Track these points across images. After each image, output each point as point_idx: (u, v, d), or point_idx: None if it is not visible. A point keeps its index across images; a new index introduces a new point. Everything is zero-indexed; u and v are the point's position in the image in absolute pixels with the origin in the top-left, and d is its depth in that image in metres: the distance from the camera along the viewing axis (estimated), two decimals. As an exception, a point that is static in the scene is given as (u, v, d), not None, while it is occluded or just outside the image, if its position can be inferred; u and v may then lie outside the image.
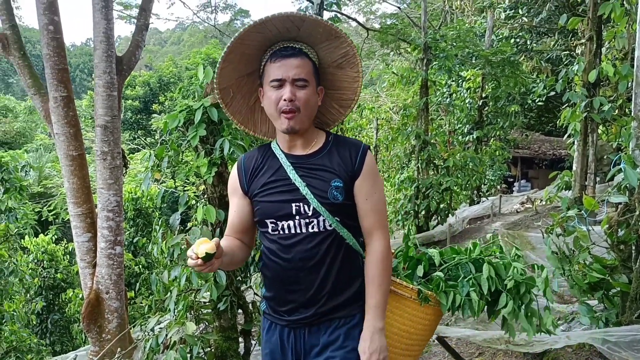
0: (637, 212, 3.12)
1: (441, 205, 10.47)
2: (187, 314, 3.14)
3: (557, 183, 6.57)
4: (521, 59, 14.12)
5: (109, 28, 3.84)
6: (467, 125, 14.26)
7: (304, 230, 1.77)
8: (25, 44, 4.17)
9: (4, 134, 25.29)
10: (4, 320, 6.65)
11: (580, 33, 9.08)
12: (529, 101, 16.24)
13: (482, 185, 14.63)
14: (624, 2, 4.67)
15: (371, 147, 8.84)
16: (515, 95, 14.18)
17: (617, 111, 6.32)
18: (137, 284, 8.97)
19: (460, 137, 14.26)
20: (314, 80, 1.81)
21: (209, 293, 3.08)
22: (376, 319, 1.76)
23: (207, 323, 3.31)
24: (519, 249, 2.49)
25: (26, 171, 6.89)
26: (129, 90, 27.19)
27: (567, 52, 14.04)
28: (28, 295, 8.77)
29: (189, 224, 3.40)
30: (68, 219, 4.08)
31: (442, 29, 13.34)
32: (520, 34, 16.02)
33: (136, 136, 26.06)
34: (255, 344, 3.47)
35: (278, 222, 1.79)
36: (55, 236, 9.40)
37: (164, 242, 3.30)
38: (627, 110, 7.28)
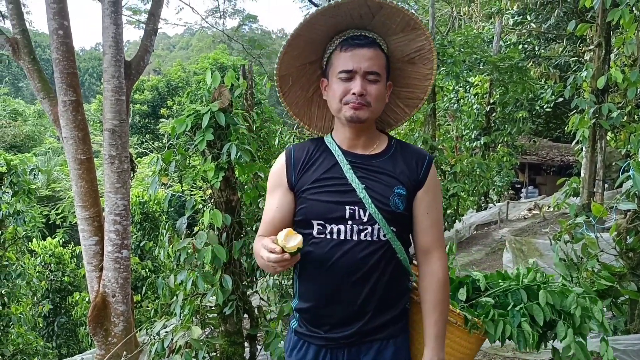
0: (646, 220, 3.10)
1: (448, 211, 10.41)
2: (193, 318, 3.14)
3: (565, 189, 6.53)
4: (529, 65, 14.07)
5: (118, 33, 3.86)
6: (475, 131, 14.24)
7: (355, 237, 1.58)
8: (35, 48, 4.20)
9: (13, 138, 25.44)
10: (10, 323, 6.67)
11: (588, 39, 9.06)
12: (537, 107, 16.18)
13: (491, 192, 14.57)
14: (633, 9, 4.65)
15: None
16: (523, 101, 14.14)
17: (625, 118, 6.28)
18: (144, 288, 8.96)
19: (467, 143, 14.24)
20: (385, 75, 1.63)
21: (214, 297, 3.08)
22: (439, 350, 1.61)
23: (212, 327, 3.30)
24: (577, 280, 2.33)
25: (35, 174, 6.91)
26: (137, 95, 27.33)
27: (576, 58, 13.98)
28: (35, 298, 8.78)
29: (196, 228, 3.40)
30: (76, 222, 4.09)
31: (450, 34, 13.34)
32: (529, 40, 16.00)
33: (144, 140, 26.17)
34: (260, 349, 3.46)
35: (327, 225, 1.60)
36: (63, 239, 9.43)
37: (171, 246, 3.30)
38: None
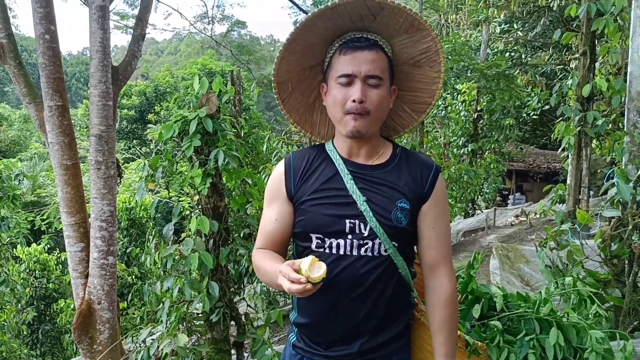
0: (630, 226, 3.13)
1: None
2: (179, 325, 3.13)
3: (551, 196, 6.58)
4: (516, 72, 14.22)
5: (106, 38, 3.84)
6: (462, 138, 14.32)
7: (355, 253, 1.50)
8: (22, 53, 4.17)
9: (-2, 142, 25.21)
10: (-6, 331, 6.59)
11: (574, 48, 9.17)
12: (524, 114, 16.33)
13: (478, 198, 14.66)
14: (617, 18, 4.72)
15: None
16: (510, 108, 14.26)
17: (610, 126, 6.36)
18: (130, 295, 8.90)
19: (455, 150, 14.31)
20: (388, 79, 1.55)
21: (201, 304, 3.06)
22: None
23: (199, 335, 3.28)
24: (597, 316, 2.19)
25: (20, 180, 6.86)
26: (124, 100, 27.19)
27: (562, 66, 14.17)
28: (19, 305, 8.68)
29: (183, 235, 3.38)
30: (61, 229, 4.05)
31: (437, 42, 13.41)
32: (515, 47, 16.19)
33: (131, 145, 26.02)
34: (247, 357, 3.44)
35: (326, 239, 1.52)
36: (48, 246, 9.33)
37: (157, 252, 3.29)
38: (620, 124, 7.32)
